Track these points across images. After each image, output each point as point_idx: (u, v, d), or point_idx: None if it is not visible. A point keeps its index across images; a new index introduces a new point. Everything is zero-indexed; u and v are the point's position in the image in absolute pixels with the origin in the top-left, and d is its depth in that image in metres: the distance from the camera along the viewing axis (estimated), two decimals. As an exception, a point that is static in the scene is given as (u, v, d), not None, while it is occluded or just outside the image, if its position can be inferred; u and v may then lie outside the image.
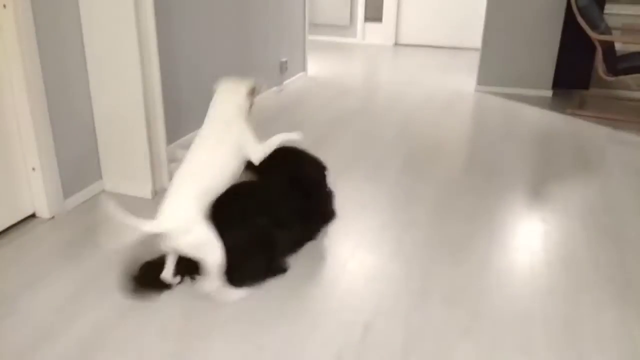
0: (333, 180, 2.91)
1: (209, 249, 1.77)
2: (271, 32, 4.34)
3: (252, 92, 2.05)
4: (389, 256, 2.24)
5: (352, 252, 2.26)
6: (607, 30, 4.18)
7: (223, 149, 1.93)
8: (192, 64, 3.34)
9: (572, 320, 1.87)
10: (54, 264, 2.13)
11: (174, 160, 2.87)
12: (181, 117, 3.29)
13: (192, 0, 3.24)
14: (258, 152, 1.99)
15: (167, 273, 1.91)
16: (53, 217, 2.46)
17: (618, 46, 4.35)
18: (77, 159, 2.57)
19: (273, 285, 2.02)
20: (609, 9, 4.76)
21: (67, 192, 2.53)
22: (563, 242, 2.36)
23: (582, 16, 3.93)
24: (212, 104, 2.02)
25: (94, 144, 2.66)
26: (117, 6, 2.38)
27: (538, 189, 2.88)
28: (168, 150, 2.80)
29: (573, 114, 4.13)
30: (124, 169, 2.67)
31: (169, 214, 1.76)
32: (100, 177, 2.73)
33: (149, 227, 1.70)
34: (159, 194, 2.71)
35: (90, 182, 2.67)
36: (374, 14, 6.81)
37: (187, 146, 3.24)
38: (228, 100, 1.99)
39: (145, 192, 2.67)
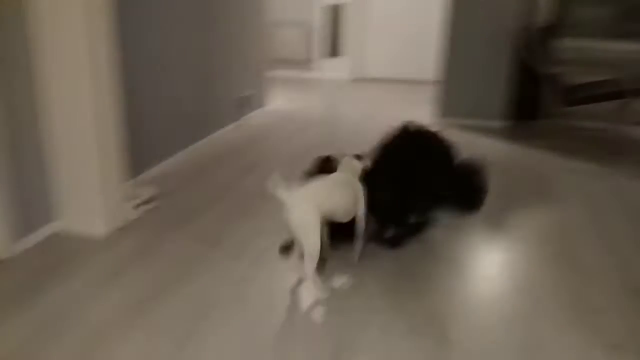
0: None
1: (309, 234, 2.07)
2: (231, 67, 4.36)
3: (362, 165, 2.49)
4: (354, 289, 2.22)
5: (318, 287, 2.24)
6: (557, 63, 4.35)
7: (347, 189, 2.33)
8: (152, 100, 3.31)
9: (535, 346, 1.88)
10: (3, 309, 2.03)
11: (136, 197, 2.82)
12: (143, 152, 3.25)
13: (151, 35, 3.23)
14: (362, 211, 2.38)
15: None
16: (2, 261, 2.36)
17: (568, 78, 4.53)
18: (28, 200, 2.49)
19: (232, 319, 1.98)
20: (557, 42, 4.97)
21: (18, 234, 2.44)
22: (522, 270, 2.40)
23: (533, 51, 4.08)
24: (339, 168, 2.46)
25: (47, 183, 2.58)
26: (71, 37, 2.34)
27: (497, 218, 2.93)
28: (127, 187, 2.75)
29: (527, 144, 4.25)
30: (77, 208, 2.60)
31: (298, 195, 2.12)
32: (54, 218, 2.64)
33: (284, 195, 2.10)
34: (114, 233, 2.64)
35: (42, 223, 2.58)
36: (333, 49, 6.93)
37: (148, 182, 3.21)
38: (351, 167, 2.44)
39: (100, 231, 2.60)
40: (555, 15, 4.71)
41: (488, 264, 2.46)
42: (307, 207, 2.10)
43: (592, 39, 6.93)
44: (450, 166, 2.54)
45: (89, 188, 2.55)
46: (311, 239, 2.07)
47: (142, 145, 3.28)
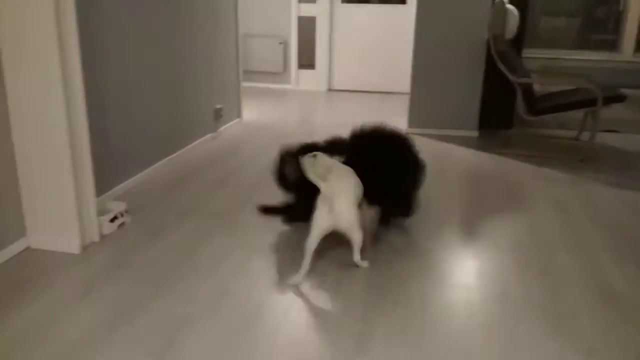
0: (270, 227, 2.90)
1: (355, 230, 2.40)
2: (204, 79, 4.34)
3: None
4: (329, 301, 2.22)
5: (292, 300, 2.23)
6: (526, 73, 4.44)
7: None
8: (123, 114, 3.28)
9: (510, 355, 1.90)
10: (-29, 330, 1.98)
11: (105, 212, 2.78)
12: (111, 167, 3.21)
13: (122, 48, 3.21)
14: None
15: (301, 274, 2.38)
16: (-29, 279, 2.31)
17: (536, 87, 4.63)
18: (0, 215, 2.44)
19: (207, 334, 1.96)
20: (526, 52, 5.08)
21: (-12, 250, 2.39)
22: (497, 278, 2.43)
23: (502, 61, 4.17)
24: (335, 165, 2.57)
25: (17, 197, 2.53)
26: (41, 51, 2.31)
27: (470, 226, 2.96)
28: (98, 202, 2.71)
29: (498, 153, 4.33)
30: (50, 223, 2.55)
31: (344, 204, 2.36)
32: (27, 233, 2.59)
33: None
34: (88, 248, 2.60)
35: (12, 239, 2.53)
36: (307, 60, 6.96)
37: (118, 197, 3.17)
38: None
39: (73, 247, 2.56)
40: (525, 26, 4.82)
41: (462, 271, 2.48)
42: (353, 207, 2.39)
43: (560, 50, 7.11)
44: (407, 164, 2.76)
45: (62, 202, 2.51)
46: (356, 236, 2.43)
47: (113, 159, 3.24)
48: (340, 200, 2.33)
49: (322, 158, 2.52)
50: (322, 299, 2.24)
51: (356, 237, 2.42)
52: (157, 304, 2.17)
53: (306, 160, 2.47)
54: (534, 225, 2.98)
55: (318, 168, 2.46)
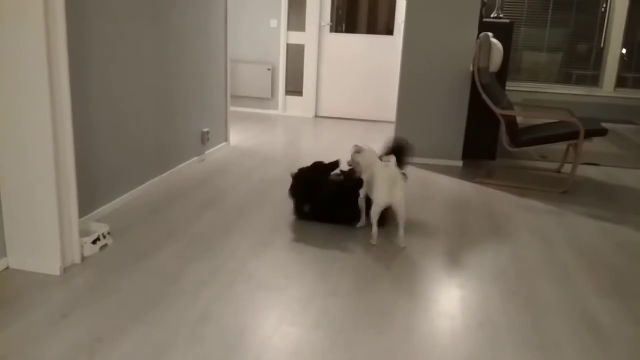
0: (255, 252, 2.88)
1: (403, 207, 3.03)
2: (192, 103, 4.36)
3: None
4: (314, 328, 2.21)
5: (277, 326, 2.21)
6: (509, 106, 4.52)
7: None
8: (109, 135, 3.27)
9: (492, 386, 1.90)
10: (-55, 352, 1.93)
11: (88, 234, 2.75)
12: (96, 188, 3.18)
13: (111, 70, 3.22)
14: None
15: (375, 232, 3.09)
16: (-53, 299, 2.26)
17: (520, 120, 4.72)
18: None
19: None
20: (510, 85, 5.18)
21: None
22: (480, 307, 2.44)
23: (486, 93, 4.25)
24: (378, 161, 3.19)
25: (0, 217, 2.50)
26: (29, 69, 2.31)
27: (454, 255, 2.98)
28: (81, 223, 2.68)
29: (482, 183, 4.37)
30: (31, 244, 2.52)
31: (400, 186, 3.00)
32: (5, 254, 2.55)
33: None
34: (68, 270, 2.56)
35: (-8, 259, 2.49)
36: (294, 87, 7.03)
37: (102, 219, 3.14)
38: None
39: (54, 269, 2.52)
40: (509, 60, 4.92)
41: (446, 301, 2.49)
42: (404, 189, 3.04)
43: (542, 83, 7.26)
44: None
45: (44, 223, 2.48)
46: (403, 211, 3.04)
47: (98, 180, 3.22)
48: (397, 183, 2.97)
49: (371, 153, 3.24)
50: (306, 327, 2.22)
51: (403, 213, 3.03)
52: (138, 328, 2.14)
53: (361, 152, 3.26)
54: (516, 256, 3.01)
55: (366, 159, 3.19)
